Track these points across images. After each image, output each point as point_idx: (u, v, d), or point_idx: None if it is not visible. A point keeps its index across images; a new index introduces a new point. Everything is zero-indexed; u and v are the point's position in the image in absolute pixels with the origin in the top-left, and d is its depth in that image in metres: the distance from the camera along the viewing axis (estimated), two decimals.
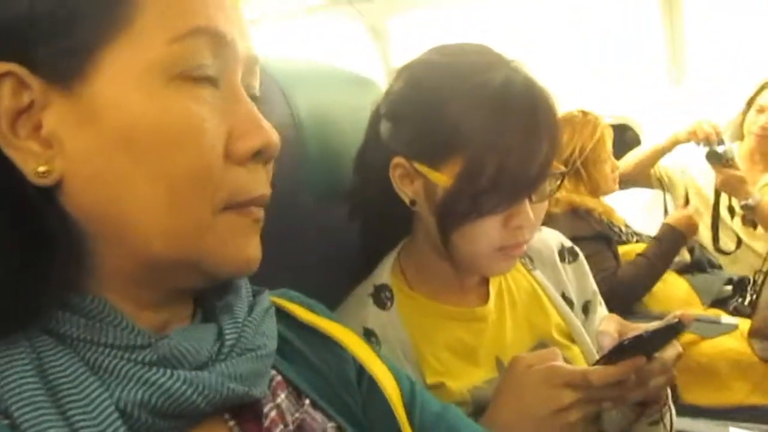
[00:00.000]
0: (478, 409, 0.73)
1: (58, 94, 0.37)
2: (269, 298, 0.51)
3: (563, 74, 2.60)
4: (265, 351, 0.45)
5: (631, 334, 0.66)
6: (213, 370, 0.40)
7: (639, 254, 1.77)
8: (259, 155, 0.42)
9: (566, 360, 0.78)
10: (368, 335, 0.75)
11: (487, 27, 2.46)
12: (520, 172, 0.69)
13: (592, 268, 1.68)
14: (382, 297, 0.79)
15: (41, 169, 0.37)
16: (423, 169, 0.72)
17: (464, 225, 0.71)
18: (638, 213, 2.22)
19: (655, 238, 1.80)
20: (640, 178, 2.20)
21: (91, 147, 0.37)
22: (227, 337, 0.43)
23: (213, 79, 0.40)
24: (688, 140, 2.01)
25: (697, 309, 1.79)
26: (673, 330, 0.68)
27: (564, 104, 1.92)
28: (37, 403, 0.34)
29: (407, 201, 0.76)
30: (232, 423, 0.43)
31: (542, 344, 0.82)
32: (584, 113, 1.86)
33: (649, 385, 0.68)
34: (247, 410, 0.44)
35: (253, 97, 0.44)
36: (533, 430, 0.66)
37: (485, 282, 0.85)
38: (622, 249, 1.83)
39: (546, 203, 0.76)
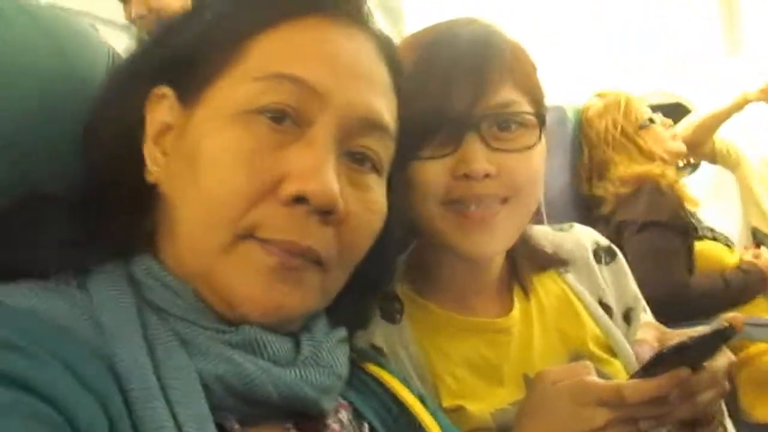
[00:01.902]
0: None
1: (183, 119, 0.51)
2: (346, 333, 0.58)
3: (607, 52, 2.59)
4: (338, 371, 0.53)
5: (672, 342, 0.65)
6: (290, 369, 0.48)
7: (722, 275, 1.77)
8: (302, 202, 0.47)
9: (604, 376, 0.78)
10: (376, 354, 0.75)
11: (505, 3, 2.46)
12: (434, 107, 0.71)
13: (658, 266, 1.70)
14: (390, 309, 0.79)
15: (150, 168, 0.52)
16: None
17: (404, 170, 0.72)
18: (702, 196, 2.15)
19: (741, 268, 1.81)
20: (700, 146, 2.16)
21: (174, 155, 0.51)
22: (304, 348, 0.51)
23: (295, 120, 0.49)
24: (759, 99, 1.99)
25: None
26: (722, 336, 0.66)
27: (611, 83, 1.97)
28: (142, 363, 0.43)
29: None
30: None
31: (577, 358, 0.81)
32: (600, 95, 1.93)
33: (697, 400, 0.67)
34: (311, 423, 0.51)
35: (362, 157, 0.52)
36: None
37: (508, 288, 0.85)
38: (696, 245, 1.83)
39: (528, 158, 0.75)
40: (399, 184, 0.75)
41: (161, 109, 0.53)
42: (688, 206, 1.87)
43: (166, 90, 0.53)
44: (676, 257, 1.71)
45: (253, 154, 0.48)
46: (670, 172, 1.84)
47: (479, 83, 0.72)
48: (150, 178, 0.52)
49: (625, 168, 1.82)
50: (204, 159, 0.48)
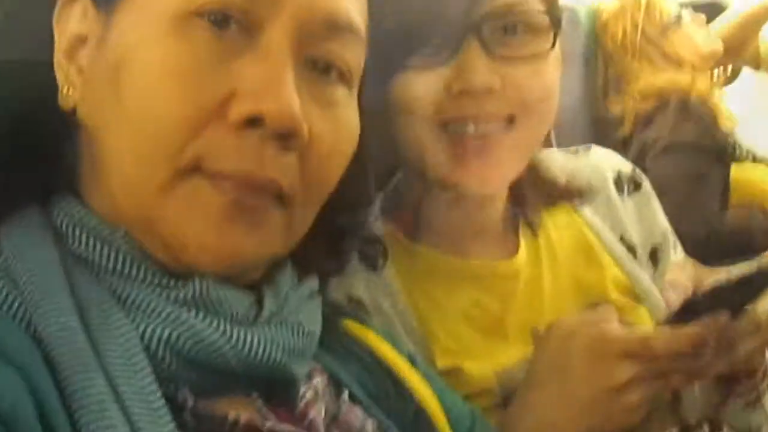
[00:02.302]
0: (508, 399, 0.74)
1: (100, 26, 0.49)
2: (317, 283, 0.58)
3: None
4: (308, 329, 0.52)
5: (709, 284, 0.66)
6: (251, 328, 0.47)
7: (763, 206, 1.77)
8: (256, 125, 0.45)
9: (628, 325, 0.79)
10: (356, 307, 0.75)
11: None
12: (424, 5, 0.69)
13: (686, 195, 1.70)
14: (371, 253, 0.79)
15: (64, 91, 0.50)
16: None
17: (387, 84, 0.71)
18: (742, 112, 2.08)
19: None
20: (741, 50, 2.12)
21: (92, 72, 0.49)
22: (267, 303, 0.50)
23: (243, 24, 0.46)
24: None
25: None
26: (767, 276, 0.67)
27: None
28: (71, 327, 0.42)
29: None
30: (259, 402, 0.49)
31: (595, 306, 0.82)
32: None
33: (737, 351, 0.67)
34: (280, 392, 0.50)
35: (326, 65, 0.50)
36: (581, 417, 0.66)
37: (513, 226, 0.84)
38: (733, 170, 1.83)
39: (539, 69, 0.73)
40: (380, 101, 0.73)
41: (73, 15, 0.50)
42: (725, 124, 1.87)
43: None
44: (708, 185, 1.71)
45: (192, 68, 0.46)
46: (702, 81, 1.83)
47: None
48: (64, 102, 0.50)
49: (647, 79, 1.81)
50: (130, 77, 0.46)
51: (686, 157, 1.71)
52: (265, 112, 0.45)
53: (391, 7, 0.68)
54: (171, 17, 0.46)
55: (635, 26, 1.84)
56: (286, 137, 0.46)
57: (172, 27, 0.46)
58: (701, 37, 1.87)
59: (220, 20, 0.46)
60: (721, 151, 1.77)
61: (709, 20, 2.03)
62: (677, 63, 1.83)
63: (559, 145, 1.23)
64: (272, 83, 0.46)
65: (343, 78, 0.52)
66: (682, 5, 1.95)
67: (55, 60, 0.50)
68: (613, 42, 1.85)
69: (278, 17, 0.47)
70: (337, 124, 0.51)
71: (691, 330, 0.64)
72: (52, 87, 0.50)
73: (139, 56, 0.46)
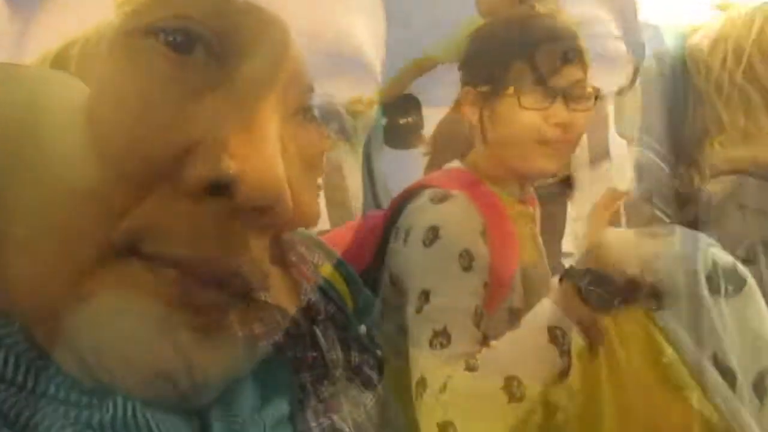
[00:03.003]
0: None
1: (14, 29, 0.49)
2: (287, 408, 0.58)
3: None
4: None
5: None
6: None
7: None
8: (220, 193, 0.43)
9: None
10: None
11: None
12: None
13: None
14: (362, 368, 0.79)
15: None
16: None
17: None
18: None
19: None
20: None
21: None
22: None
23: (213, 49, 0.45)
24: None
25: None
26: None
27: None
28: None
29: None
30: None
31: None
32: (722, 7, 1.89)
33: None
34: None
35: (324, 116, 0.51)
36: None
37: (564, 339, 0.84)
38: None
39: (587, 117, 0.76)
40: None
41: None
42: None
43: None
44: None
45: (137, 106, 0.44)
46: None
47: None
48: None
49: (723, 146, 1.81)
50: (50, 111, 0.44)
51: None
52: (235, 178, 0.43)
53: (414, 17, 0.69)
54: (111, 34, 0.45)
55: (739, 57, 1.84)
56: (262, 212, 0.44)
57: (110, 46, 0.45)
58: None
59: (180, 42, 0.45)
60: None
61: None
62: None
63: (630, 223, 1.23)
64: (248, 136, 0.44)
65: (343, 131, 0.52)
66: None
67: None
68: (705, 75, 1.85)
69: (262, 44, 0.46)
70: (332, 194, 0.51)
71: None
72: None
73: (65, 84, 0.45)
